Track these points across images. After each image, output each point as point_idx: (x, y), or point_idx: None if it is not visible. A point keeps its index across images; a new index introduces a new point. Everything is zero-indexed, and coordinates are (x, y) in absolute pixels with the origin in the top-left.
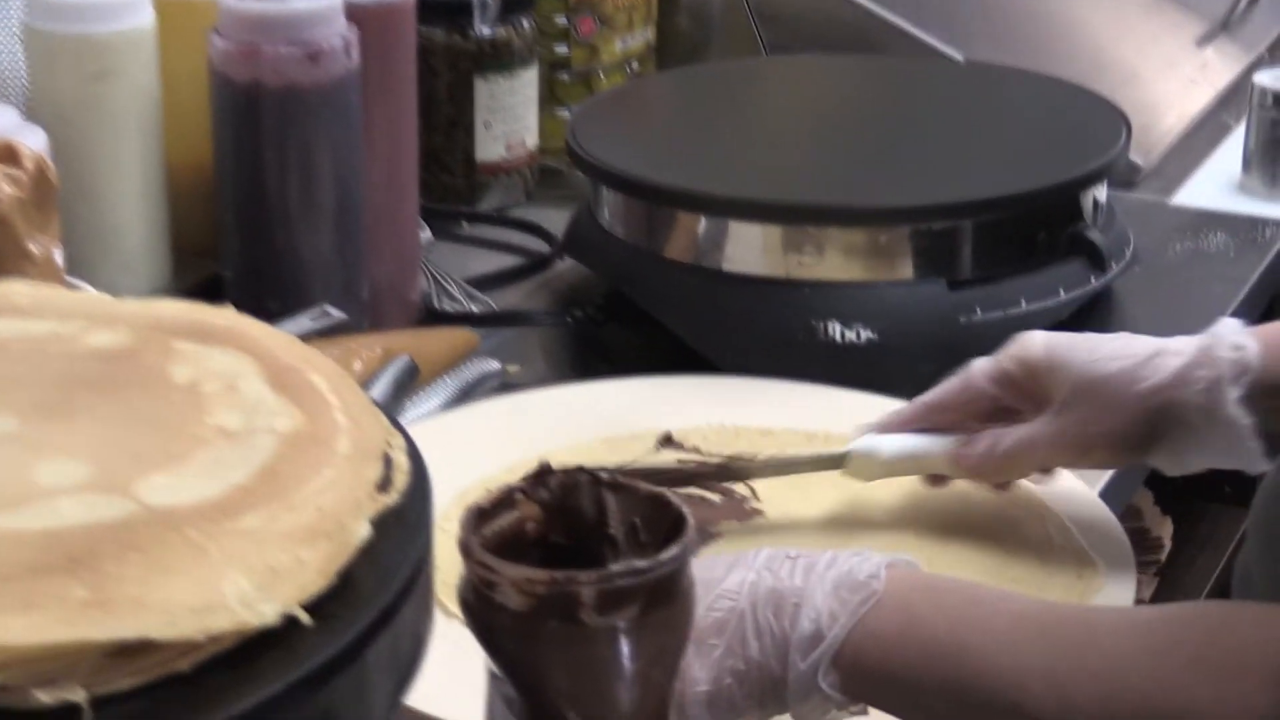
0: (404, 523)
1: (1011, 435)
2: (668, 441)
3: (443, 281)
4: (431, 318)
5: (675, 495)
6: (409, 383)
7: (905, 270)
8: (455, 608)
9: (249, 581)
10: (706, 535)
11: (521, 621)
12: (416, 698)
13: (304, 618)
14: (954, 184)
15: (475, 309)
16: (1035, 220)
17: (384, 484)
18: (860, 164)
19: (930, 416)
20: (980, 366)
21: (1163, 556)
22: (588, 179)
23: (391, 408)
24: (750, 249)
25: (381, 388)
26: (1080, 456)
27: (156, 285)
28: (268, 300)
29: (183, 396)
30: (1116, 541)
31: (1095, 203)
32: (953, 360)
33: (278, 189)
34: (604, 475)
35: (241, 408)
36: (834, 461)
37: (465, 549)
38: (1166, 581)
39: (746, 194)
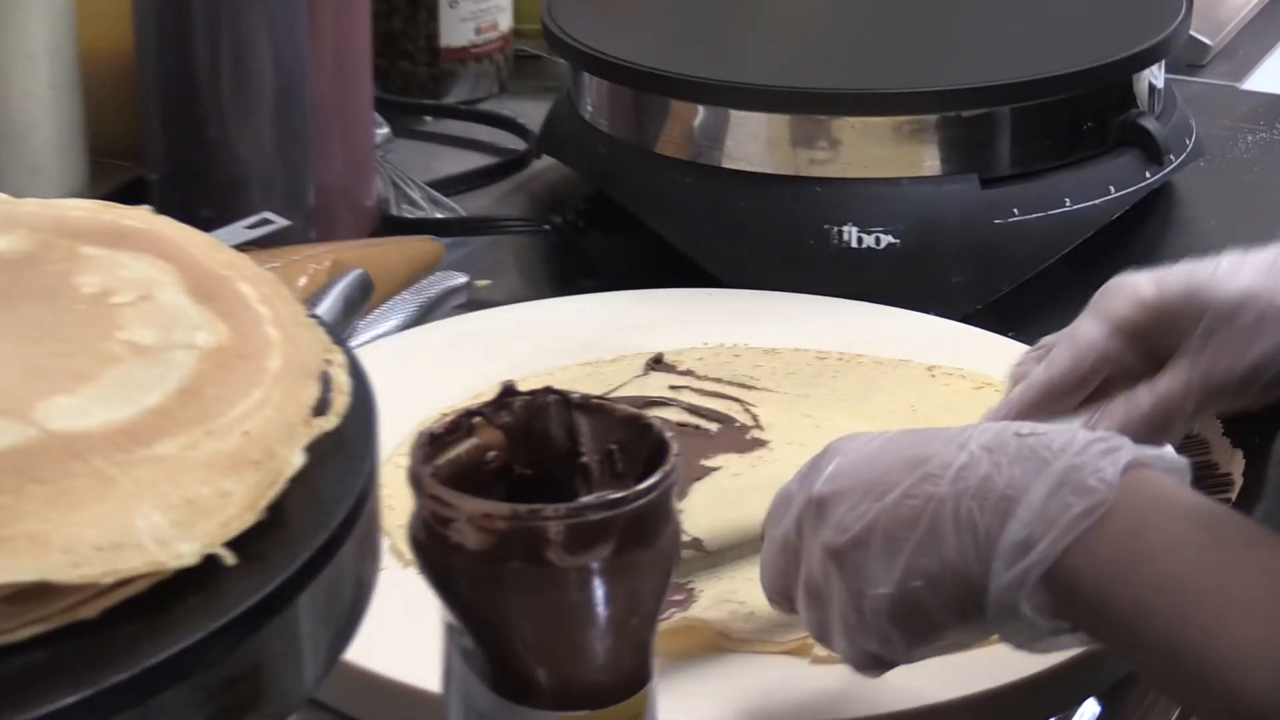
0: (345, 451)
1: (1150, 393)
2: (658, 364)
3: (402, 184)
4: (389, 226)
5: (658, 419)
6: (362, 299)
7: (932, 165)
8: (409, 551)
9: (164, 516)
10: (699, 470)
11: (480, 563)
12: (365, 655)
13: (227, 557)
14: (987, 65)
15: (439, 215)
16: (1081, 107)
17: (321, 407)
18: (880, 44)
19: (1051, 405)
20: (1090, 327)
21: (1233, 495)
22: (568, 64)
23: (340, 327)
24: (754, 142)
25: (329, 305)
26: (1238, 393)
27: (70, 190)
28: (199, 207)
29: (90, 308)
30: None
31: (1151, 87)
32: (986, 269)
33: (209, 77)
34: (575, 396)
35: (158, 321)
36: None
37: (415, 480)
38: None
39: (749, 79)
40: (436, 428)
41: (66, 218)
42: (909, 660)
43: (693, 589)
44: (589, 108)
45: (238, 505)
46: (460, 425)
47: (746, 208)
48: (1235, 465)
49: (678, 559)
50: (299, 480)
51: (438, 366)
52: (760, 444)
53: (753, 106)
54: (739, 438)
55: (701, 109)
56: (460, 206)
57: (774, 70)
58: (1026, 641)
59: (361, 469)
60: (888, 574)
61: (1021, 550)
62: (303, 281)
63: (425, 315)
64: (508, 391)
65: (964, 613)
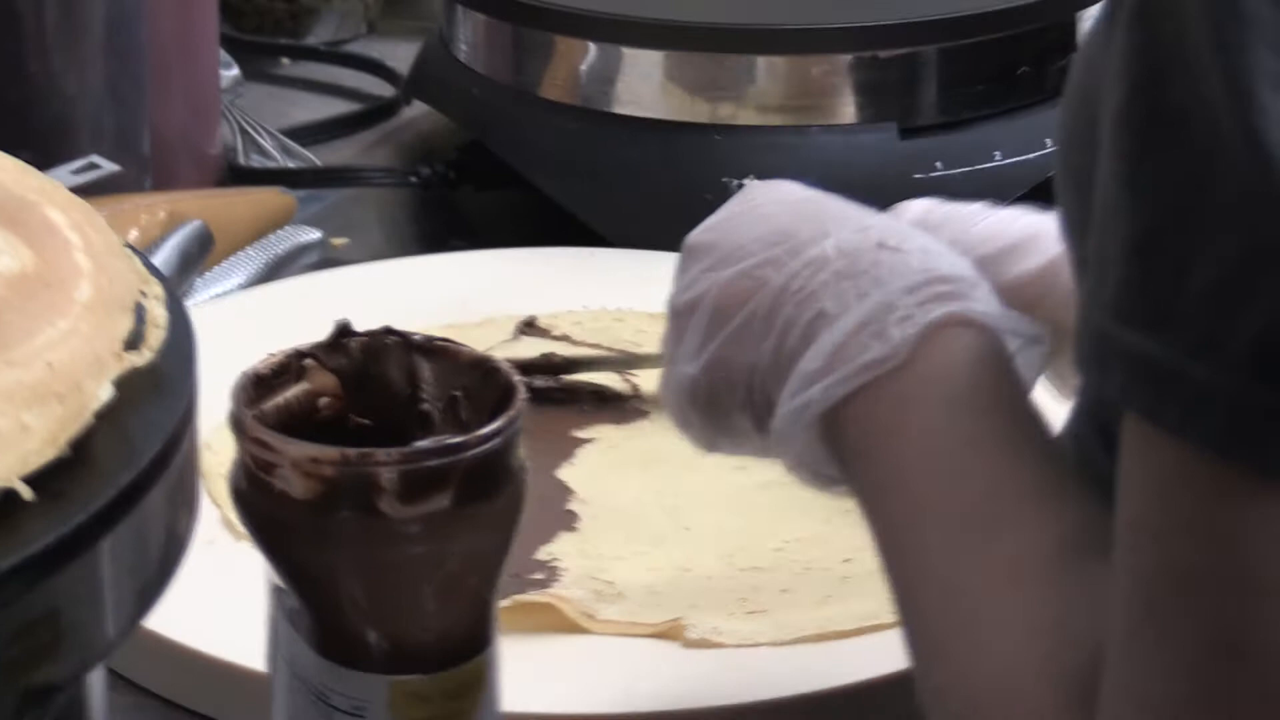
0: (160, 390)
1: None
2: (529, 328)
3: (252, 131)
4: (236, 177)
5: (505, 362)
6: (200, 254)
7: (846, 112)
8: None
9: None
10: (570, 443)
11: (306, 513)
12: (190, 635)
13: (25, 492)
14: (912, 1)
15: (292, 165)
16: (1015, 49)
17: (134, 341)
18: None
19: None
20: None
21: None
22: None
23: (176, 284)
24: (647, 85)
25: (163, 259)
26: None
27: None
28: (18, 148)
29: None
30: None
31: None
32: None
33: (30, 6)
34: (417, 337)
35: None
36: None
37: (236, 424)
38: None
39: (643, 13)
40: (261, 368)
41: None
42: (711, 449)
43: (556, 565)
44: (463, 47)
45: (38, 439)
46: (289, 367)
47: (637, 158)
48: None
49: (521, 514)
50: (108, 418)
51: (280, 328)
52: (641, 414)
53: (646, 44)
54: (611, 408)
55: (591, 46)
56: (319, 157)
57: (671, 4)
58: (805, 477)
59: (175, 408)
60: (698, 354)
61: (807, 382)
62: (134, 234)
63: (272, 273)
64: (342, 331)
65: (759, 422)
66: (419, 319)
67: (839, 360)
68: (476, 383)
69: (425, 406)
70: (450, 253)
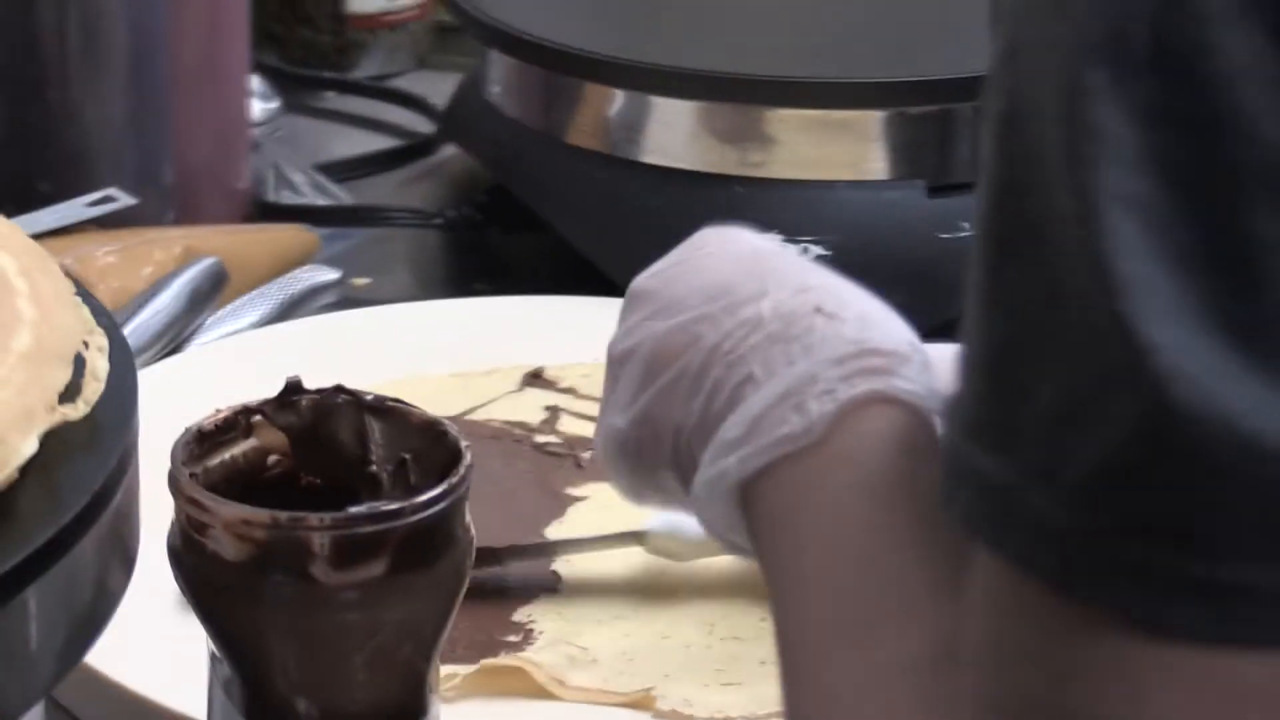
0: (93, 442)
1: None
2: (535, 379)
3: (284, 167)
4: (263, 212)
5: (453, 424)
6: (211, 292)
7: (874, 168)
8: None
9: None
10: (567, 500)
11: (238, 576)
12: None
13: None
14: (944, 57)
15: (321, 203)
16: None
17: (71, 393)
18: (824, 27)
19: None
20: None
21: None
22: (474, 38)
23: (184, 321)
24: (674, 134)
25: (171, 295)
26: None
27: None
28: (37, 179)
29: None
30: None
31: None
32: (929, 289)
33: (52, 34)
34: (368, 397)
35: None
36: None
37: (172, 481)
38: None
39: (672, 61)
40: (206, 424)
41: None
42: (638, 502)
43: (532, 628)
44: (495, 89)
45: None
46: (236, 423)
47: (659, 207)
48: None
49: (463, 585)
50: (37, 473)
51: (280, 370)
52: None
53: (675, 93)
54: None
55: (617, 94)
56: (353, 193)
57: (702, 54)
58: (721, 545)
59: (106, 463)
60: (628, 406)
61: (726, 450)
62: (148, 270)
63: (287, 313)
64: (292, 388)
65: (684, 480)
66: (426, 365)
67: (757, 431)
68: (426, 446)
69: (374, 468)
70: (467, 298)
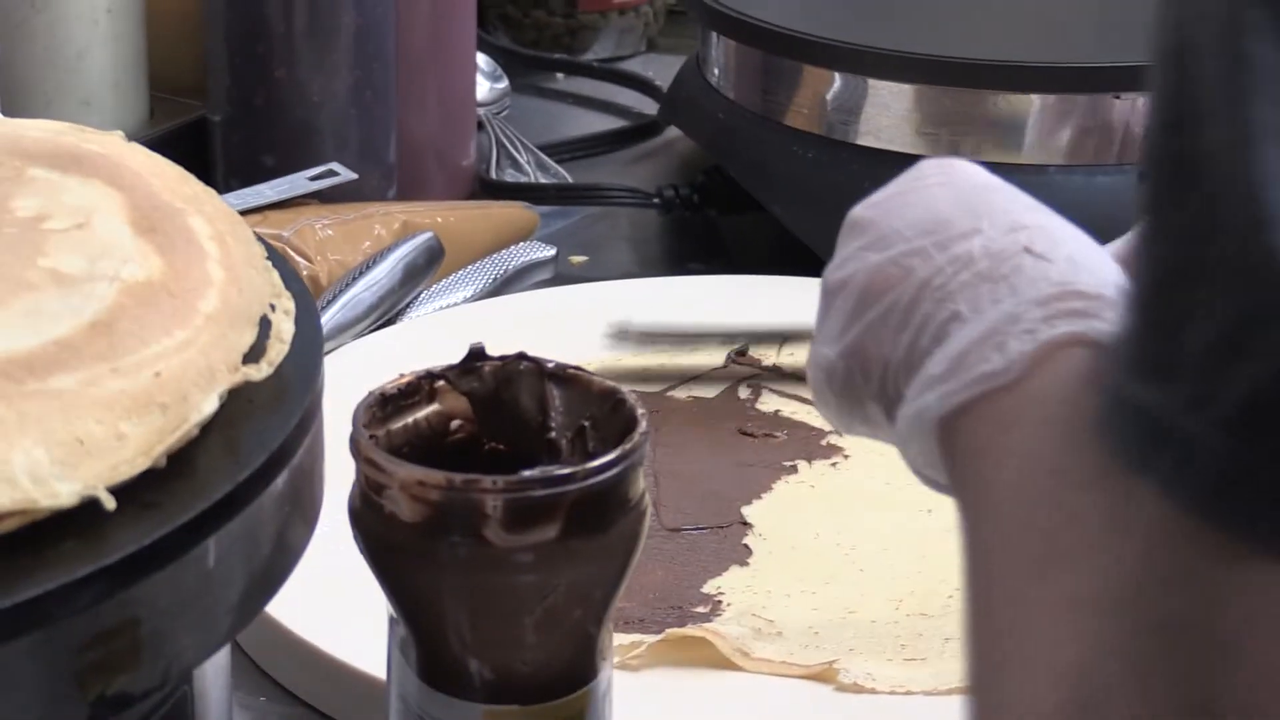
0: (277, 403)
1: None
2: (741, 356)
3: (509, 145)
4: (485, 190)
5: (631, 393)
6: (427, 266)
7: (1087, 152)
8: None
9: (46, 453)
10: (768, 474)
11: (414, 536)
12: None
13: (107, 501)
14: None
15: (544, 181)
16: None
17: (255, 354)
18: (1041, 12)
19: None
20: None
21: None
22: (697, 21)
23: (399, 294)
24: (889, 117)
25: (387, 269)
26: None
27: (127, 128)
28: (263, 153)
29: (20, 232)
30: None
31: None
32: None
33: (281, 9)
34: (550, 364)
35: (87, 250)
36: None
37: (353, 443)
38: None
39: (888, 45)
40: (389, 388)
41: (24, 137)
42: (847, 431)
43: (721, 599)
44: (715, 71)
45: (132, 449)
46: (419, 388)
47: (873, 190)
48: None
49: (636, 551)
50: (220, 430)
51: (490, 345)
52: (835, 450)
53: (891, 76)
54: (811, 444)
55: (837, 76)
56: (577, 173)
57: (918, 37)
58: (923, 480)
59: (287, 422)
60: (839, 336)
61: (929, 385)
62: (367, 244)
63: (502, 288)
64: (475, 354)
65: (890, 414)
66: (633, 343)
67: (959, 368)
68: (605, 413)
69: (553, 434)
70: (676, 276)
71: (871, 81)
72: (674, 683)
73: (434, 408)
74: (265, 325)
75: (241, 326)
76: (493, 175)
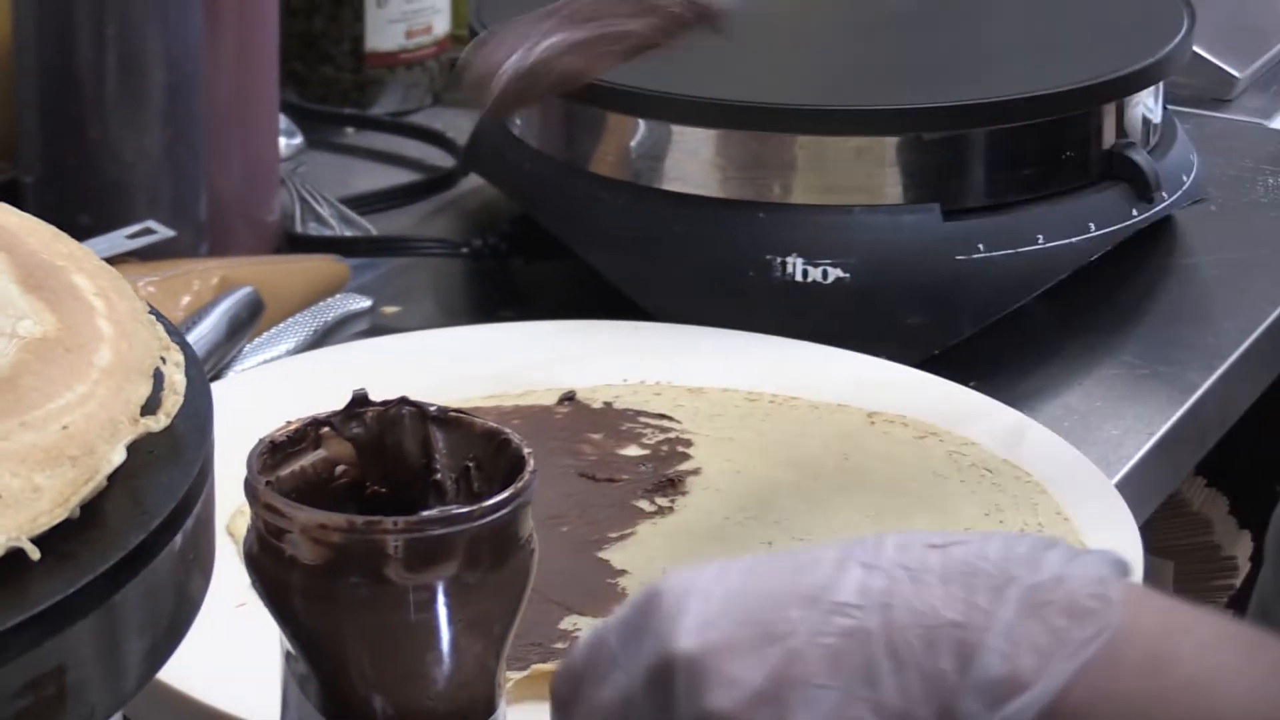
0: (174, 453)
1: None
2: (569, 400)
3: (311, 200)
4: (292, 244)
5: (516, 433)
6: (249, 320)
7: (890, 193)
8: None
9: None
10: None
11: (315, 578)
12: (210, 689)
13: (32, 551)
14: (957, 82)
15: (349, 234)
16: (1061, 133)
17: (152, 406)
18: (840, 55)
19: None
20: None
21: (1237, 581)
22: None
23: (224, 349)
24: (693, 161)
25: (212, 324)
26: None
27: None
28: (77, 212)
29: None
30: (1126, 544)
31: (1144, 116)
32: (946, 309)
33: (91, 71)
34: (432, 408)
35: None
36: None
37: (250, 489)
38: (1242, 611)
39: (691, 91)
40: (278, 435)
41: None
42: None
43: (579, 635)
44: (517, 121)
45: (49, 500)
46: (306, 435)
47: (682, 233)
48: (1241, 548)
49: (529, 585)
50: (122, 481)
51: (324, 395)
52: (674, 488)
53: (695, 122)
54: (649, 484)
55: (640, 123)
56: (378, 226)
57: (720, 83)
58: None
59: (188, 472)
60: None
61: (1007, 687)
62: (186, 299)
63: (321, 340)
64: (359, 400)
65: None
66: (462, 389)
67: (1035, 656)
68: (489, 454)
69: (439, 476)
70: (497, 323)
71: (675, 127)
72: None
73: (320, 453)
74: (157, 377)
75: (136, 379)
76: (299, 229)
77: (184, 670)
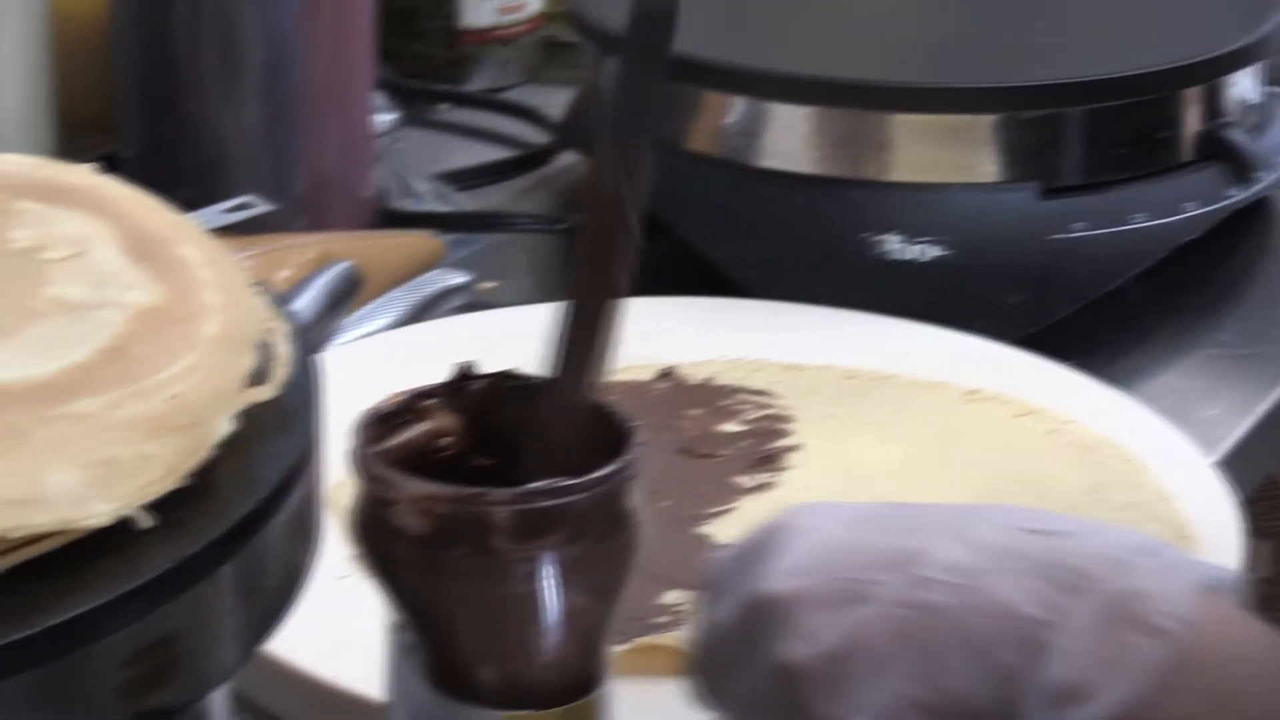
0: (284, 425)
1: None
2: (668, 377)
3: (406, 176)
4: (388, 219)
5: (622, 407)
6: (348, 294)
7: (987, 171)
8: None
9: (80, 474)
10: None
11: (422, 550)
12: (314, 659)
13: (144, 519)
14: (1056, 61)
15: (444, 210)
16: (1159, 113)
17: (259, 376)
18: (938, 34)
19: None
20: None
21: None
22: (591, 46)
23: (323, 323)
24: (791, 139)
25: (311, 298)
26: None
27: None
28: (175, 187)
29: (18, 263)
30: (1227, 523)
31: (1243, 95)
32: (1043, 288)
33: (190, 47)
34: (536, 381)
35: (89, 278)
36: None
37: (357, 461)
38: None
39: (789, 68)
40: (383, 407)
41: (3, 172)
42: None
43: (681, 610)
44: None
45: (159, 469)
46: (411, 407)
47: (779, 211)
48: None
49: (634, 557)
50: (231, 451)
51: (422, 370)
52: (774, 464)
53: (791, 99)
54: (750, 460)
55: (737, 100)
56: (471, 202)
57: (818, 60)
58: None
59: (297, 442)
60: (870, 699)
61: (1070, 695)
62: (285, 273)
63: (419, 316)
64: (465, 374)
65: None
66: None
67: (1101, 669)
68: (595, 427)
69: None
70: None
71: (772, 105)
72: (643, 689)
73: (425, 425)
74: (263, 348)
75: (243, 350)
76: (395, 205)
77: (289, 642)
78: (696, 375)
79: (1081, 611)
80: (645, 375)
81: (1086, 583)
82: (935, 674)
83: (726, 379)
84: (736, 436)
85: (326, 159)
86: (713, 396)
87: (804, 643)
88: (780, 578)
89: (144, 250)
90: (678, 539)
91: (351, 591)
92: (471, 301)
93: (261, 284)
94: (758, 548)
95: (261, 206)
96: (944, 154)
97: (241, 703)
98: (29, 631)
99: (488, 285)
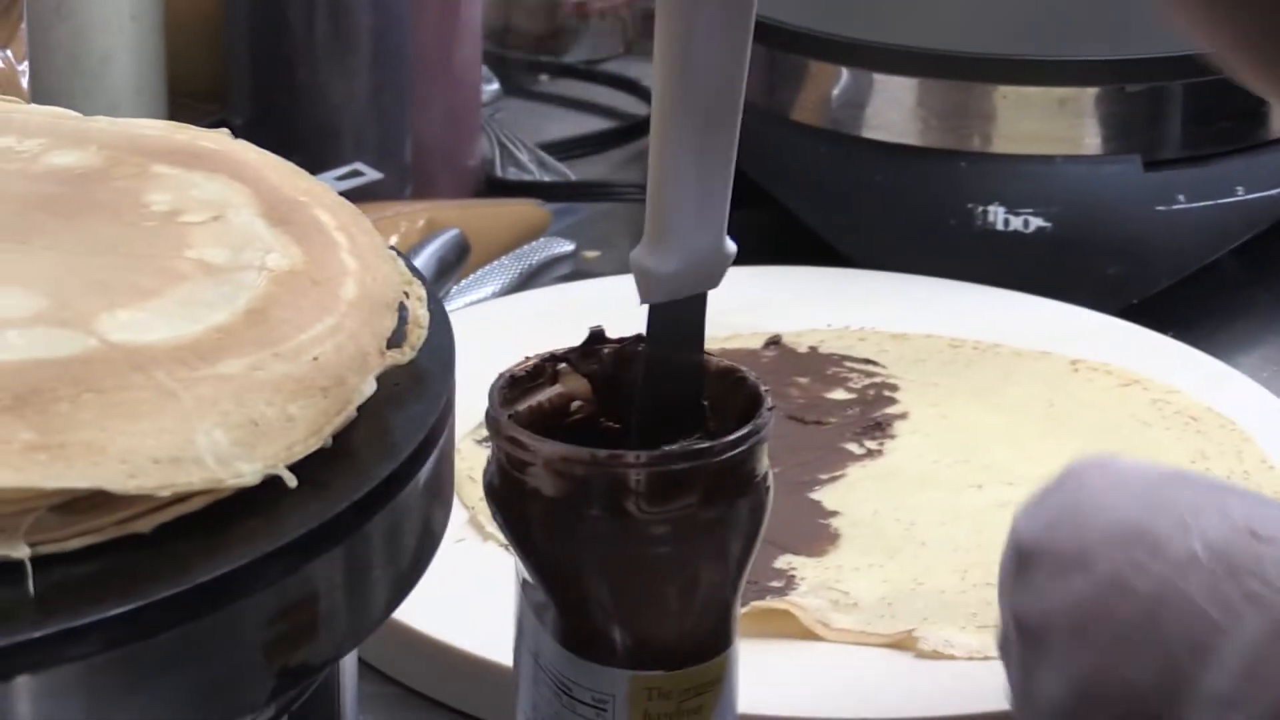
0: (420, 388)
1: None
2: (775, 344)
3: (510, 145)
4: (492, 188)
5: (752, 371)
6: (457, 262)
7: (1091, 143)
8: (493, 529)
9: (226, 435)
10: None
11: (556, 510)
12: (434, 624)
13: (289, 479)
14: (1159, 34)
15: (547, 179)
16: None
17: (397, 339)
18: (1043, 7)
19: None
20: None
21: None
22: None
23: (434, 290)
24: (896, 111)
25: (421, 264)
26: None
27: None
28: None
29: (160, 225)
30: None
31: None
32: (1145, 260)
33: (301, 15)
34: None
35: (229, 241)
36: None
37: (492, 422)
38: None
39: (896, 40)
40: (517, 370)
41: (139, 135)
42: None
43: (794, 575)
44: None
45: (302, 430)
46: (543, 370)
47: (884, 182)
48: None
49: (765, 519)
50: (369, 413)
51: (532, 336)
52: (881, 431)
53: (898, 70)
54: (858, 427)
55: (843, 71)
56: (572, 172)
57: (923, 32)
58: None
59: (434, 406)
60: (1064, 671)
61: (1225, 708)
62: (394, 240)
63: (525, 283)
64: (596, 338)
65: None
66: None
67: (1254, 685)
68: (724, 391)
69: None
70: None
71: (877, 75)
72: (762, 653)
73: (557, 389)
74: (401, 311)
75: (381, 312)
76: (499, 174)
77: (411, 605)
78: (803, 344)
79: (1251, 623)
80: (754, 344)
81: (1271, 594)
82: (1118, 660)
83: (833, 347)
84: (844, 404)
85: (433, 128)
86: (820, 364)
87: (1033, 599)
88: (1040, 527)
89: (281, 214)
90: (791, 505)
91: (468, 555)
92: (576, 270)
93: (394, 248)
94: (1042, 492)
95: (370, 174)
96: (1048, 126)
97: (361, 665)
98: (176, 589)
99: (592, 254)
